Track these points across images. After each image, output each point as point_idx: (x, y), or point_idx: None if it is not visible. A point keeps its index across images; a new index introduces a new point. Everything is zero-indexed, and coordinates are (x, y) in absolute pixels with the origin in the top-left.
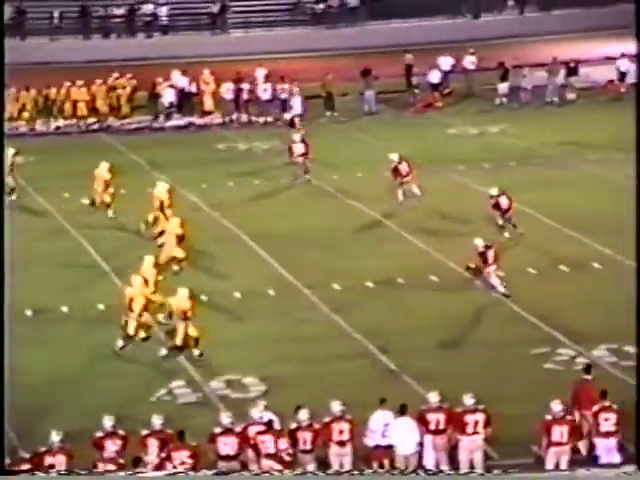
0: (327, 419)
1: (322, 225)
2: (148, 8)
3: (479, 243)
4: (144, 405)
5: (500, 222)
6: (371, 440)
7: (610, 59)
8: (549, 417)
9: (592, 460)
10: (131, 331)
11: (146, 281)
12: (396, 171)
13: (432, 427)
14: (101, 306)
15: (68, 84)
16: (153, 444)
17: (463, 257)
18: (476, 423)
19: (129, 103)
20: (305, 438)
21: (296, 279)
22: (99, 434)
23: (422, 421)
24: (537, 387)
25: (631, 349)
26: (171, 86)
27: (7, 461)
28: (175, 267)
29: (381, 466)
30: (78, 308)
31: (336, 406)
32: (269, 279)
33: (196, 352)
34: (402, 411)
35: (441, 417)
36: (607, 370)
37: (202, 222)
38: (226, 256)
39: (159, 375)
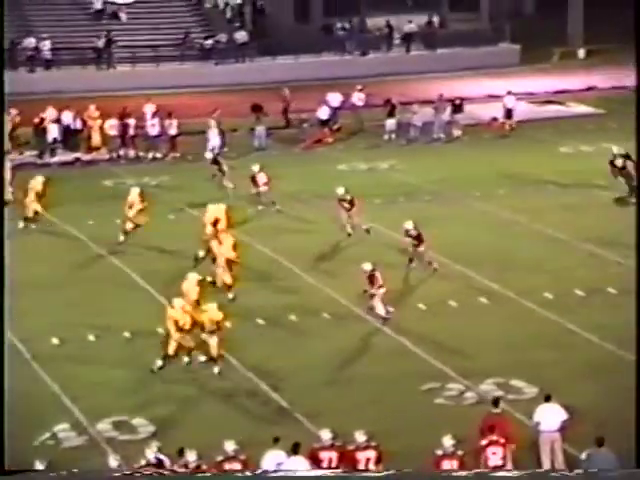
0: (219, 459)
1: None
2: (30, 42)
3: (367, 267)
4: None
5: (410, 255)
6: None
7: (494, 97)
8: (439, 452)
9: None
10: (171, 351)
11: (188, 301)
12: (345, 203)
13: (325, 465)
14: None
15: None
16: None
17: (355, 292)
18: (368, 460)
19: (12, 140)
20: None
21: None
22: None
23: (315, 459)
24: (427, 422)
25: (518, 383)
26: (56, 121)
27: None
28: (229, 295)
29: None
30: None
31: (229, 446)
32: (159, 318)
33: (216, 369)
34: (295, 450)
35: (333, 455)
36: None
37: (87, 260)
38: (114, 294)
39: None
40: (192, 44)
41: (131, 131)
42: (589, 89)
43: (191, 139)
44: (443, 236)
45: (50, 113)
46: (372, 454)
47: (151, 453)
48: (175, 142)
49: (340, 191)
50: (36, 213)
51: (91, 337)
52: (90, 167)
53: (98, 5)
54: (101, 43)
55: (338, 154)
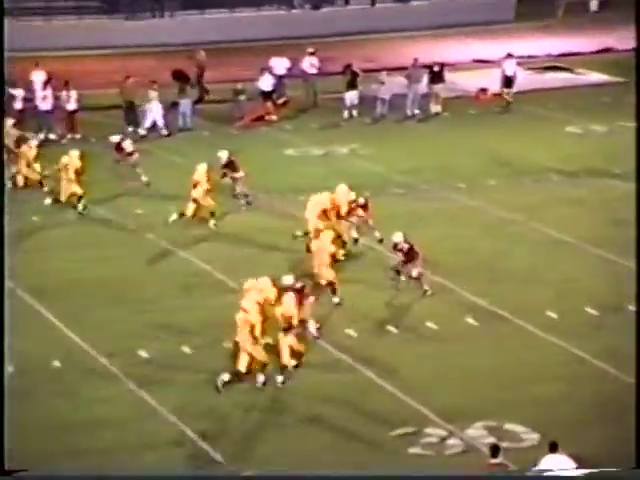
0: None
1: (124, 273)
2: None
3: (287, 280)
4: None
5: (399, 269)
6: None
7: (482, 62)
8: None
9: None
10: (242, 368)
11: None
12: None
13: None
14: None
15: None
16: None
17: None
18: None
19: None
20: None
21: (90, 345)
22: None
23: None
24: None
25: (514, 427)
26: None
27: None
28: (334, 300)
29: None
30: None
31: None
32: (52, 346)
33: (279, 379)
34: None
35: None
36: (485, 453)
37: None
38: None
39: None
40: None
41: (17, 105)
42: (603, 51)
43: (96, 116)
44: (419, 239)
45: None
46: None
47: None
48: (74, 120)
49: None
50: (72, 196)
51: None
52: None
53: None
54: None
55: (285, 135)
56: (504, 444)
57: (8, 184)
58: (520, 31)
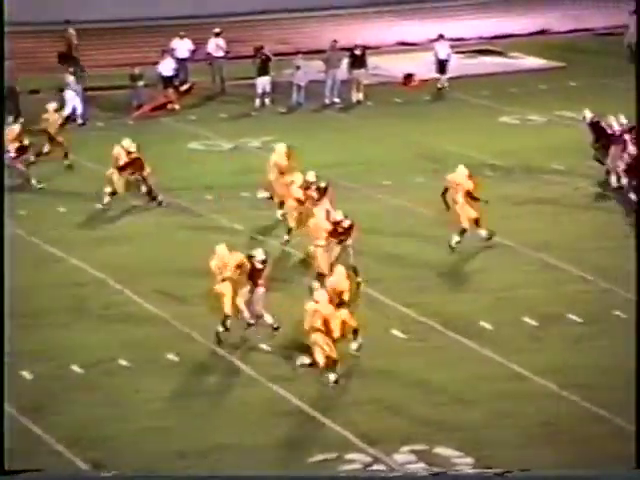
0: None
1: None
2: None
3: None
4: None
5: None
6: None
7: (409, 45)
8: None
9: None
10: (321, 361)
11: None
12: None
13: None
14: None
15: None
16: None
17: (211, 327)
18: None
19: None
20: None
21: None
22: None
23: None
24: None
25: (445, 451)
26: None
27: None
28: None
29: None
30: None
31: None
32: None
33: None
34: None
35: None
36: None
37: None
38: None
39: None
40: None
41: None
42: (539, 33)
43: None
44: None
45: None
46: None
47: None
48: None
49: (310, 177)
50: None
51: None
52: None
53: None
54: None
55: (189, 126)
56: (435, 469)
57: None
58: (449, 10)
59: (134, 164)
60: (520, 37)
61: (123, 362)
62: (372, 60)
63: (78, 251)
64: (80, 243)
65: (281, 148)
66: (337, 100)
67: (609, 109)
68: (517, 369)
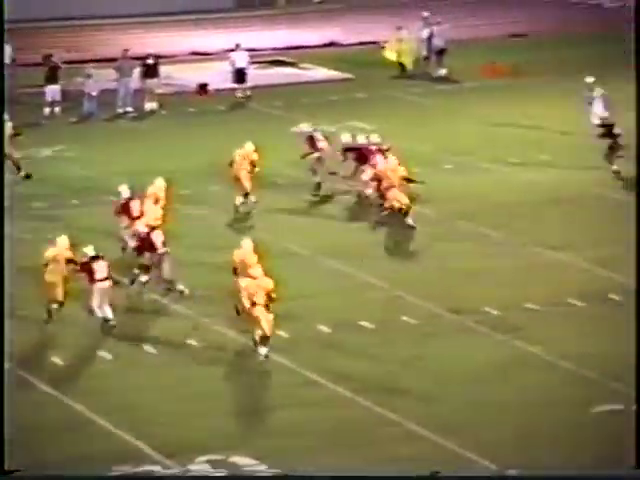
0: None
1: None
2: None
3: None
4: None
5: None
6: None
7: (203, 54)
8: None
9: None
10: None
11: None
12: None
13: None
14: None
15: None
16: None
17: None
18: None
19: None
20: None
21: None
22: None
23: None
24: None
25: (241, 460)
26: None
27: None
28: None
29: None
30: None
31: None
32: None
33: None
34: None
35: None
36: None
37: None
38: None
39: None
40: None
41: None
42: (328, 45)
43: None
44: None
45: None
46: None
47: None
48: None
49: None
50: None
51: None
52: None
53: None
54: None
55: None
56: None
57: None
58: (242, 21)
59: None
60: (311, 48)
61: None
62: (165, 69)
63: None
64: None
65: (250, 147)
66: (130, 109)
67: (396, 119)
68: (310, 375)
